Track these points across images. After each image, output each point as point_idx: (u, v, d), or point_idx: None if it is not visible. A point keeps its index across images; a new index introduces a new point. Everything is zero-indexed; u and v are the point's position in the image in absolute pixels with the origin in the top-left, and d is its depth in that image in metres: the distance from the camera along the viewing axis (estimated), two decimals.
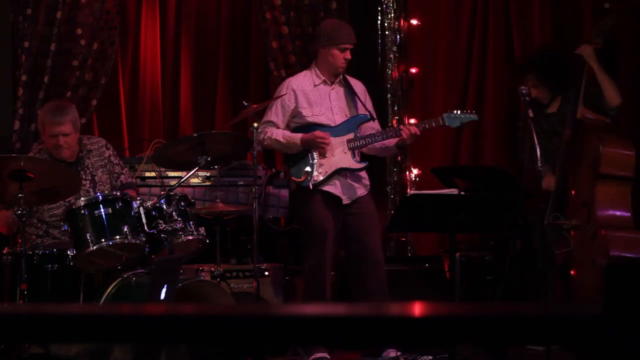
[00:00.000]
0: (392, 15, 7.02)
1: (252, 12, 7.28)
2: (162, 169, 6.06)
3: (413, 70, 7.07)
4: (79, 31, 6.62)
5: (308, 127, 5.41)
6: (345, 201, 5.37)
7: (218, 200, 5.76)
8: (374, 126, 5.53)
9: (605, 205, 5.28)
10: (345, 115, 5.46)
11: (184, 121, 7.31)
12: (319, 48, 5.47)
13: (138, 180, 6.09)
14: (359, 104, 5.48)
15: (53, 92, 6.55)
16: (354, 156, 5.40)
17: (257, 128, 5.18)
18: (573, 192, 5.45)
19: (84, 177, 5.12)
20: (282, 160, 6.82)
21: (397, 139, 5.39)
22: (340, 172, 5.38)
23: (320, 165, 5.36)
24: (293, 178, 5.43)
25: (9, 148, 6.40)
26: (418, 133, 5.31)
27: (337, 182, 5.38)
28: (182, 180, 5.01)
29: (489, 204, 4.90)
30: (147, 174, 6.13)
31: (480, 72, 7.05)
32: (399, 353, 5.26)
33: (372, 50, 6.96)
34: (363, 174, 5.46)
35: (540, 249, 5.60)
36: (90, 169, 5.18)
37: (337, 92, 5.49)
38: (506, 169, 6.19)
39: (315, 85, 5.45)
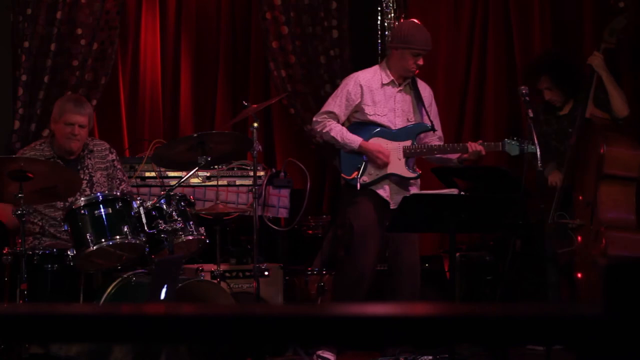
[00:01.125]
0: (392, 15, 7.02)
1: (252, 12, 7.28)
2: (162, 169, 6.06)
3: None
4: (79, 31, 6.62)
5: (368, 124, 5.34)
6: (392, 206, 5.28)
7: (218, 200, 5.76)
8: (437, 136, 5.46)
9: (607, 206, 5.27)
10: (407, 120, 5.38)
11: (184, 121, 7.31)
12: (393, 48, 5.40)
13: (138, 180, 6.09)
14: (424, 112, 5.40)
15: (53, 92, 6.55)
16: (407, 164, 5.33)
17: (257, 128, 5.16)
18: (580, 192, 5.44)
19: (82, 176, 5.13)
20: (282, 160, 6.82)
21: (459, 154, 5.31)
22: (391, 177, 5.32)
23: (372, 167, 5.30)
24: (342, 175, 5.36)
25: (9, 148, 6.40)
26: (484, 152, 5.24)
27: (387, 187, 5.32)
28: (182, 180, 5.01)
29: (489, 204, 4.89)
30: (147, 174, 6.13)
31: (480, 72, 7.05)
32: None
33: (372, 50, 6.96)
34: (415, 182, 5.39)
35: (545, 248, 5.59)
36: (90, 170, 5.19)
37: (403, 96, 5.40)
38: (506, 169, 6.19)
39: (382, 85, 5.37)
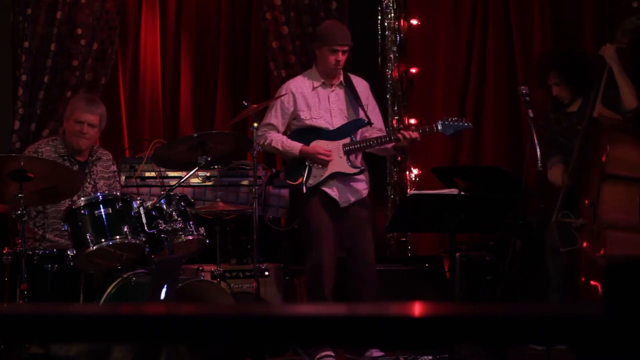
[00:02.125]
0: (392, 15, 7.02)
1: (252, 12, 7.28)
2: (162, 169, 6.06)
3: (413, 70, 7.07)
4: (79, 31, 6.62)
5: (308, 129, 5.41)
6: (342, 204, 5.37)
7: (218, 200, 5.76)
8: (377, 128, 5.51)
9: (610, 206, 5.26)
10: (345, 117, 5.44)
11: (184, 121, 7.31)
12: (315, 49, 5.48)
13: (138, 180, 6.09)
14: (359, 108, 5.46)
15: (53, 92, 6.55)
16: (349, 161, 5.39)
17: (257, 128, 5.19)
18: (585, 195, 5.43)
19: (88, 180, 5.15)
20: (282, 160, 6.83)
21: (393, 143, 5.38)
22: (336, 177, 5.38)
23: (316, 169, 5.36)
24: (288, 181, 5.46)
25: (9, 148, 6.40)
26: (418, 138, 5.28)
27: (334, 187, 5.38)
28: (182, 180, 5.01)
29: (489, 204, 4.89)
30: (147, 174, 6.13)
31: (480, 72, 7.05)
32: (382, 354, 5.29)
33: (372, 50, 6.96)
34: (361, 177, 5.44)
35: (547, 248, 5.59)
36: (95, 176, 5.22)
37: (337, 94, 5.47)
38: (506, 169, 6.19)
39: (314, 88, 5.44)
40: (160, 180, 6.11)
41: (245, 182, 6.21)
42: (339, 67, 5.41)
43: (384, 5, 7.01)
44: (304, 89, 5.44)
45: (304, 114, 5.41)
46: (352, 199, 5.39)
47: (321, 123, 5.41)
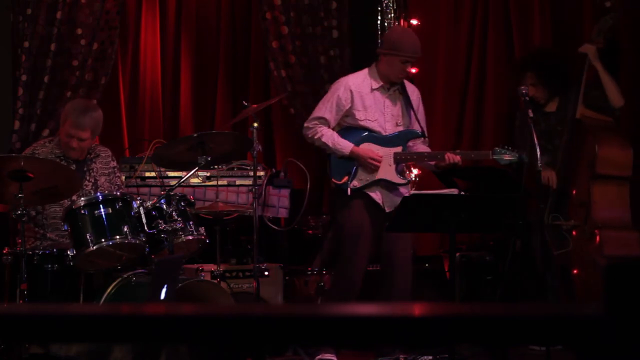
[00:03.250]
0: (392, 15, 7.02)
1: (252, 12, 7.29)
2: (162, 169, 6.06)
3: (413, 70, 7.06)
4: (79, 31, 6.62)
5: (358, 129, 5.33)
6: (387, 209, 5.28)
7: (218, 200, 5.76)
8: (420, 140, 5.45)
9: (601, 206, 5.27)
10: (397, 124, 5.36)
11: (184, 121, 7.31)
12: (382, 53, 5.37)
13: (138, 180, 6.09)
14: (413, 116, 5.39)
15: (53, 92, 6.55)
16: (397, 170, 5.32)
17: (257, 128, 5.16)
18: (574, 193, 5.44)
19: (87, 178, 5.14)
20: (282, 160, 6.82)
21: (436, 161, 5.32)
22: (381, 183, 5.30)
23: (363, 172, 5.28)
24: (333, 179, 5.35)
25: (9, 148, 6.40)
26: (460, 162, 5.24)
27: (378, 191, 5.30)
28: (182, 180, 5.01)
29: (489, 204, 4.89)
30: (147, 174, 6.13)
31: (480, 72, 7.05)
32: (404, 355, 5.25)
33: (372, 50, 6.95)
34: (404, 188, 5.36)
35: (539, 250, 5.59)
36: (95, 174, 5.20)
37: (392, 100, 5.38)
38: (506, 169, 6.19)
39: (372, 90, 5.35)
40: (160, 180, 6.11)
41: (245, 182, 6.21)
42: (405, 78, 5.36)
43: (384, 5, 7.01)
44: (363, 88, 5.34)
45: (359, 114, 5.32)
46: (398, 202, 5.33)
47: (374, 126, 5.32)
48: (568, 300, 5.52)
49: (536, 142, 4.87)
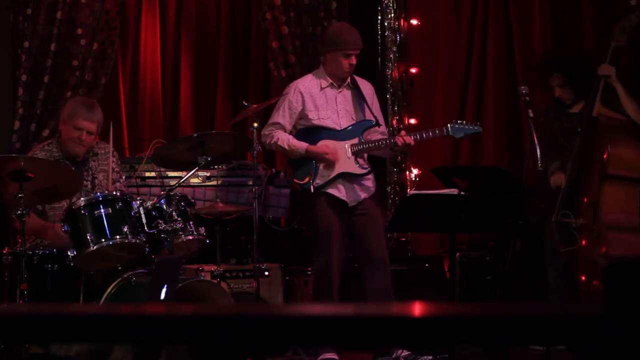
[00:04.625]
0: (392, 15, 7.02)
1: (252, 12, 7.29)
2: (162, 169, 6.06)
3: (413, 70, 7.07)
4: (79, 31, 6.62)
5: (314, 129, 5.41)
6: (350, 204, 5.37)
7: (218, 200, 5.76)
8: (380, 130, 5.52)
9: (610, 206, 5.25)
10: (352, 118, 5.45)
11: (184, 121, 7.31)
12: (325, 52, 5.46)
13: (138, 180, 6.09)
14: (366, 108, 5.46)
15: (53, 92, 6.55)
16: (357, 161, 5.39)
17: (257, 128, 5.18)
18: (585, 191, 5.42)
19: (86, 177, 5.14)
20: (282, 160, 6.82)
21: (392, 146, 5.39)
22: (343, 176, 5.37)
23: (323, 168, 5.36)
24: (295, 180, 5.43)
25: (9, 148, 6.40)
26: (412, 144, 5.31)
27: (341, 186, 5.37)
28: (182, 180, 5.01)
29: (489, 204, 4.89)
30: (147, 174, 6.13)
31: (480, 72, 7.05)
32: (406, 352, 5.25)
33: (372, 50, 6.96)
34: (368, 177, 5.45)
35: (547, 248, 5.58)
36: (93, 171, 5.19)
37: (344, 96, 5.47)
38: (506, 169, 6.19)
39: (322, 89, 5.44)
40: (160, 180, 6.11)
41: (245, 182, 6.21)
42: (352, 70, 5.42)
43: (384, 5, 7.01)
44: (312, 89, 5.45)
45: (312, 114, 5.41)
46: (361, 197, 5.39)
47: (329, 123, 5.41)
48: (572, 299, 5.52)
49: (536, 142, 4.86)
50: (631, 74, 5.91)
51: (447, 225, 4.75)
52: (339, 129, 5.41)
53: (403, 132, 5.59)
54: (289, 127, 5.44)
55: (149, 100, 7.25)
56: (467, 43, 7.07)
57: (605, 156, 5.27)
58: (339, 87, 5.46)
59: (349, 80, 5.49)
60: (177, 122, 7.31)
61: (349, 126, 5.43)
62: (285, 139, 5.39)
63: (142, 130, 7.17)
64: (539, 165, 4.89)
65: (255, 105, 5.36)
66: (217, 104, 7.36)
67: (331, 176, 5.35)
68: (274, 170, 6.36)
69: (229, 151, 5.22)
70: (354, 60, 5.39)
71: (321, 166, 5.36)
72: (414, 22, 7.06)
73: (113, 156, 5.30)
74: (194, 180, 6.12)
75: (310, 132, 5.41)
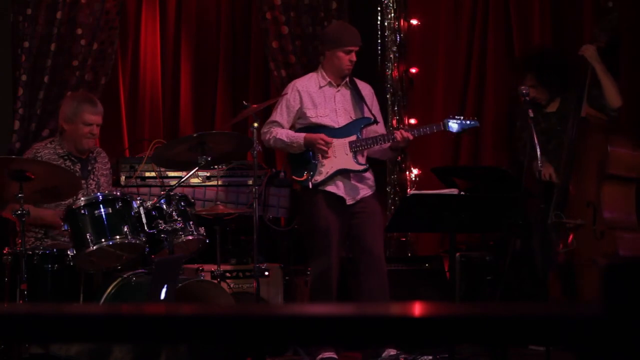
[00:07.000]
0: (392, 15, 7.02)
1: (252, 12, 7.28)
2: (162, 169, 6.06)
3: (413, 70, 7.07)
4: (79, 31, 6.62)
5: (312, 128, 5.42)
6: (349, 201, 5.38)
7: (218, 201, 5.76)
8: (378, 129, 5.54)
9: (612, 206, 5.27)
10: (350, 117, 5.47)
11: (184, 121, 7.31)
12: (325, 50, 5.48)
13: (138, 180, 6.09)
14: (365, 107, 5.48)
15: (53, 92, 6.54)
16: (355, 158, 5.40)
17: (257, 128, 5.19)
18: (576, 191, 5.43)
19: (92, 177, 5.17)
20: (283, 160, 6.82)
21: (390, 142, 5.40)
22: (342, 173, 5.38)
23: (322, 165, 5.37)
24: (294, 177, 5.45)
25: (9, 148, 6.40)
26: (411, 138, 5.34)
27: (340, 183, 5.39)
28: (182, 180, 5.01)
29: (489, 204, 4.89)
30: (147, 174, 6.13)
31: (480, 72, 7.05)
32: (398, 351, 5.26)
33: (372, 50, 6.96)
34: (367, 175, 5.46)
35: (539, 249, 5.58)
36: (97, 173, 5.24)
37: (342, 94, 5.49)
38: (506, 169, 6.19)
39: (320, 87, 5.47)
40: (160, 180, 6.11)
41: (245, 182, 6.21)
42: (352, 67, 5.44)
43: (384, 5, 7.01)
44: (310, 87, 5.47)
45: (310, 112, 5.43)
46: (360, 195, 5.40)
47: (327, 121, 5.43)
48: (568, 300, 5.52)
49: (536, 142, 4.87)
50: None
51: (447, 225, 4.75)
52: (337, 127, 5.42)
53: (400, 130, 5.61)
54: (287, 125, 5.46)
55: (149, 100, 7.25)
56: (467, 43, 7.06)
57: (604, 156, 5.28)
58: (338, 86, 5.48)
59: (347, 79, 5.49)
60: (177, 122, 7.31)
61: (347, 123, 5.44)
62: (284, 133, 5.41)
63: (142, 130, 7.17)
64: (539, 165, 4.89)
65: (255, 105, 5.36)
66: (217, 104, 7.36)
67: (330, 173, 5.36)
68: (274, 170, 6.36)
69: (229, 151, 5.22)
70: (354, 57, 5.42)
71: (320, 162, 5.36)
72: (414, 22, 7.06)
73: (108, 161, 5.37)
74: (194, 180, 6.12)
75: (308, 130, 5.42)
